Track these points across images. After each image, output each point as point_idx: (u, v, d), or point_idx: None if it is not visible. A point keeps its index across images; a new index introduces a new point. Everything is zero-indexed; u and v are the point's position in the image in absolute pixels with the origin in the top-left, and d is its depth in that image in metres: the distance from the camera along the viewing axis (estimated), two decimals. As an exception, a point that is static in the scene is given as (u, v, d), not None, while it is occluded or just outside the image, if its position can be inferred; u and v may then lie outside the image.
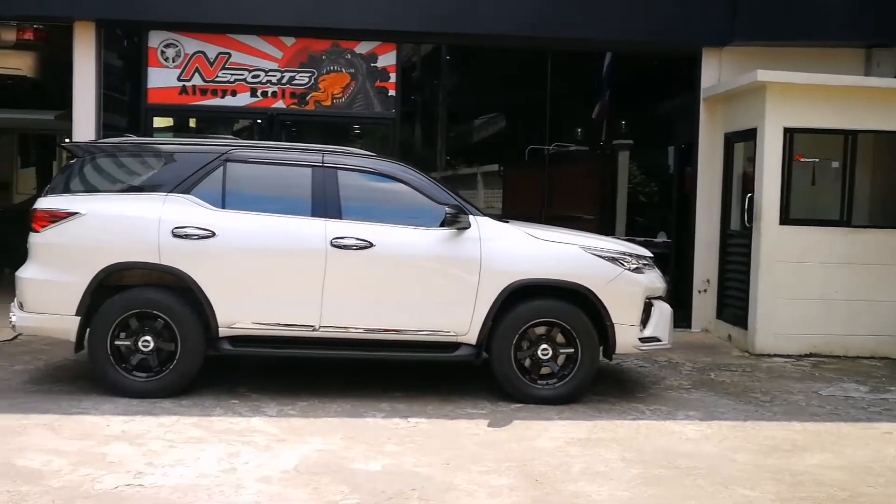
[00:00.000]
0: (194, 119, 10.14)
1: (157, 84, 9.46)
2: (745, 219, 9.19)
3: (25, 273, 6.39)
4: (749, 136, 9.25)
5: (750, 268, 9.06)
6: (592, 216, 14.63)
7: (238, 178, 6.57)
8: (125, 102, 9.65)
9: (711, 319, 10.03)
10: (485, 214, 6.68)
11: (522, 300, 6.55)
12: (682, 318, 10.15)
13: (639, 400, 6.78)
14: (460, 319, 6.46)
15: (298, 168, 6.60)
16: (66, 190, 6.47)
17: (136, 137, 7.29)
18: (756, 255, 8.97)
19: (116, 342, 6.31)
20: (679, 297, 10.48)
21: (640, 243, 13.56)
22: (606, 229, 14.26)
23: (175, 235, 6.29)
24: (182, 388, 6.36)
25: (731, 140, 9.78)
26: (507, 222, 6.94)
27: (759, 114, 8.93)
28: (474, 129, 17.13)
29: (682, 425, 6.08)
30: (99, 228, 6.33)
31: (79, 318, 6.27)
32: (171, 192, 6.43)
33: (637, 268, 6.71)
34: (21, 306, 6.41)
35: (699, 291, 10.15)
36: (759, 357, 8.75)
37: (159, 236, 6.28)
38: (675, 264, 10.83)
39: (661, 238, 11.36)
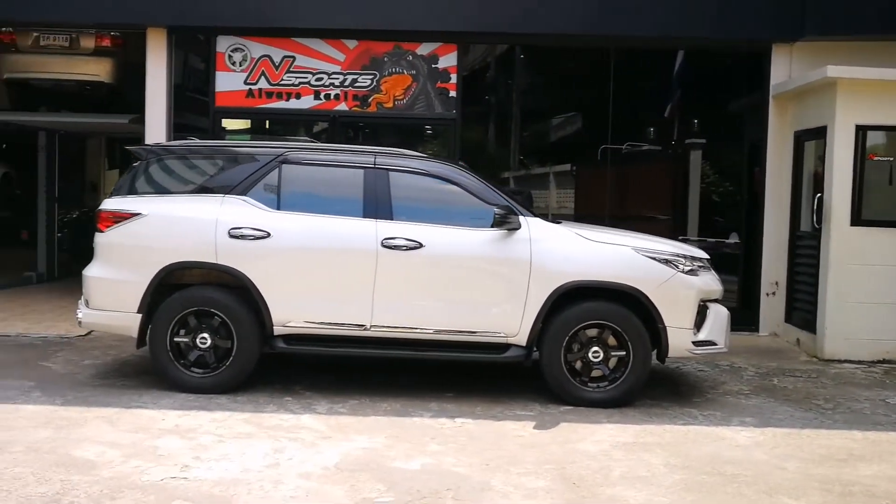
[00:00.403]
0: (260, 121, 10.37)
1: (225, 88, 9.72)
2: (815, 219, 8.91)
3: (91, 271, 6.66)
4: (819, 135, 8.96)
5: (819, 270, 8.78)
6: (665, 216, 14.44)
7: (293, 180, 6.71)
8: (195, 106, 9.94)
9: (780, 323, 9.76)
10: (536, 215, 6.65)
11: (573, 302, 6.51)
12: (749, 321, 9.96)
13: (693, 405, 6.66)
14: (510, 320, 6.45)
15: (351, 169, 6.70)
16: (130, 192, 6.72)
17: (197, 140, 7.51)
18: (825, 257, 8.69)
19: (176, 339, 6.52)
20: (746, 299, 10.27)
21: (711, 244, 13.38)
22: (679, 230, 14.07)
23: (231, 236, 6.46)
24: (238, 384, 6.53)
25: (801, 138, 9.49)
26: (559, 223, 6.91)
27: (830, 111, 8.64)
28: (542, 129, 17.05)
29: (734, 431, 5.95)
30: (160, 229, 6.55)
31: (140, 315, 6.50)
32: (228, 193, 6.61)
33: (691, 270, 6.59)
34: (87, 303, 6.68)
35: (767, 294, 9.89)
36: (827, 363, 8.47)
37: (216, 237, 6.46)
38: (743, 266, 10.60)
39: (734, 239, 11.14)
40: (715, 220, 12.45)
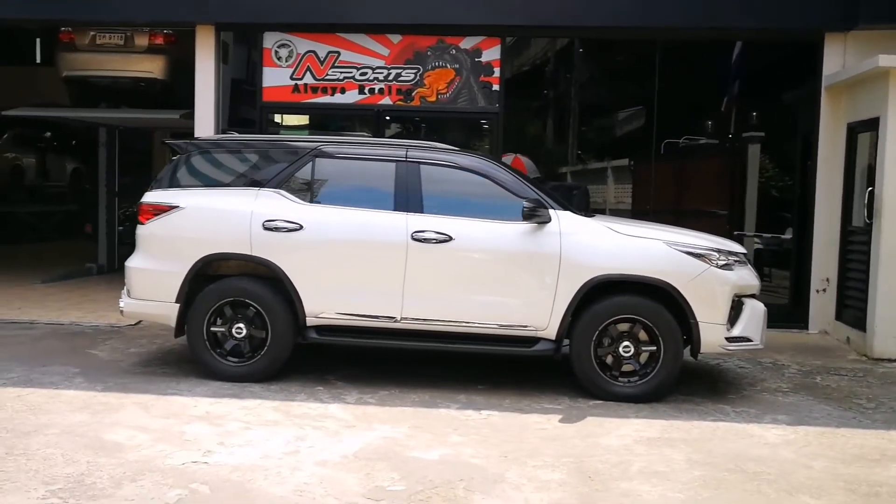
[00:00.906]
0: (306, 116, 10.52)
1: (272, 83, 9.88)
2: (866, 214, 8.65)
3: (132, 262, 6.87)
4: (872, 126, 8.69)
5: (870, 266, 8.53)
6: (721, 211, 14.21)
7: (326, 173, 6.82)
8: (242, 101, 10.13)
9: (830, 321, 9.50)
10: (567, 209, 6.61)
11: (604, 296, 6.46)
12: (798, 318, 9.73)
13: (728, 401, 6.54)
14: (539, 314, 6.44)
15: (383, 163, 6.76)
16: (169, 185, 6.91)
17: (237, 134, 7.67)
18: (876, 253, 8.43)
19: (212, 328, 6.68)
20: (797, 296, 10.04)
21: (767, 240, 13.10)
22: (735, 225, 13.82)
23: (266, 228, 6.59)
24: (271, 373, 6.65)
25: (854, 130, 9.22)
26: (593, 217, 6.85)
27: (882, 102, 8.37)
28: (599, 124, 16.93)
29: (764, 429, 5.83)
30: (197, 221, 6.72)
31: (178, 304, 6.68)
32: (263, 187, 6.74)
33: (726, 264, 6.47)
34: (129, 293, 6.89)
35: (818, 291, 9.63)
36: (876, 362, 8.22)
37: (251, 229, 6.60)
38: (794, 262, 10.37)
39: (790, 234, 10.92)
40: (776, 216, 12.19)
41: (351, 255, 6.57)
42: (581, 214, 6.69)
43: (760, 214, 13.73)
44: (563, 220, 6.48)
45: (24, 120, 16.44)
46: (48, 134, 19.75)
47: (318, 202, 6.71)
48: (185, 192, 6.82)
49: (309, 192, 6.74)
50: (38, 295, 10.63)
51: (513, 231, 6.48)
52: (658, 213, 15.54)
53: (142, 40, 10.79)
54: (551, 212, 6.47)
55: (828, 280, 9.57)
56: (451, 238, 6.47)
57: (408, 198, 6.63)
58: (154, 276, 6.76)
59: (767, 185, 14.27)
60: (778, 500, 4.50)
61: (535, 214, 6.37)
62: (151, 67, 10.82)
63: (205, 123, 9.79)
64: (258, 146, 7.02)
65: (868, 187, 8.69)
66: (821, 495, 4.57)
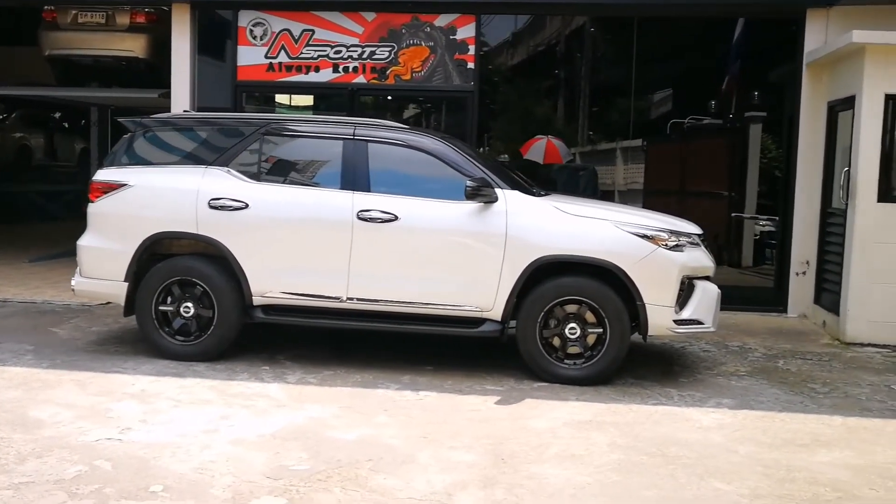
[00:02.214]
0: (281, 95, 10.48)
1: (247, 62, 9.85)
2: (842, 195, 8.45)
3: (82, 241, 6.88)
4: (851, 105, 8.46)
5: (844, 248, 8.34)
6: (722, 192, 14.03)
7: (274, 152, 6.80)
8: (218, 80, 10.10)
9: (810, 304, 9.31)
10: (516, 188, 6.50)
11: (552, 277, 6.37)
12: (778, 301, 9.55)
13: (677, 385, 6.43)
14: (484, 295, 6.36)
15: (330, 141, 6.70)
16: (119, 163, 6.90)
17: (193, 112, 7.64)
18: (850, 235, 8.24)
19: (161, 307, 6.68)
20: (779, 279, 9.86)
21: (766, 222, 12.83)
22: (736, 206, 13.62)
23: (211, 207, 6.57)
24: (219, 353, 6.65)
25: (833, 109, 8.99)
26: (544, 196, 6.74)
27: (858, 79, 8.15)
28: (609, 105, 16.79)
29: (703, 413, 5.72)
30: (145, 199, 6.71)
31: (127, 283, 6.68)
32: (211, 164, 6.71)
33: (676, 245, 6.35)
34: (80, 272, 6.91)
35: (797, 273, 9.44)
36: (847, 346, 8.05)
37: (197, 207, 6.58)
38: (778, 245, 10.19)
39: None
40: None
41: (296, 234, 6.53)
42: (531, 194, 6.59)
43: (764, 196, 13.53)
44: (510, 200, 6.39)
45: (31, 100, 16.59)
46: (58, 114, 19.95)
47: (266, 181, 6.67)
48: (135, 170, 6.82)
49: (256, 170, 6.70)
50: (21, 274, 10.73)
51: (459, 211, 6.40)
52: (663, 195, 15.42)
53: (123, 19, 10.79)
54: (498, 191, 6.38)
55: (808, 263, 9.38)
56: (396, 217, 6.41)
57: (355, 176, 6.57)
58: (103, 255, 6.77)
59: (771, 166, 14.05)
60: (687, 484, 4.41)
61: (478, 194, 6.28)
62: (132, 46, 10.82)
63: (181, 103, 9.78)
64: (208, 124, 6.99)
65: (845, 168, 8.49)
66: (733, 480, 4.47)
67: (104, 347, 7.07)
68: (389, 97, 10.24)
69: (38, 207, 18.67)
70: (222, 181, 6.63)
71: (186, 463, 4.47)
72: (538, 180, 13.89)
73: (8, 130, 18.22)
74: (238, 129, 6.82)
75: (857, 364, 7.36)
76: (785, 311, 9.48)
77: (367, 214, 6.42)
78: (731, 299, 9.60)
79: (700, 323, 6.42)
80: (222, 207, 6.55)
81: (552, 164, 13.90)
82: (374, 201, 6.45)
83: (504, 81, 17.42)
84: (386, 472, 4.44)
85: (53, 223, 17.08)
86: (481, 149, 17.08)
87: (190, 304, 6.66)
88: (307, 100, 11.55)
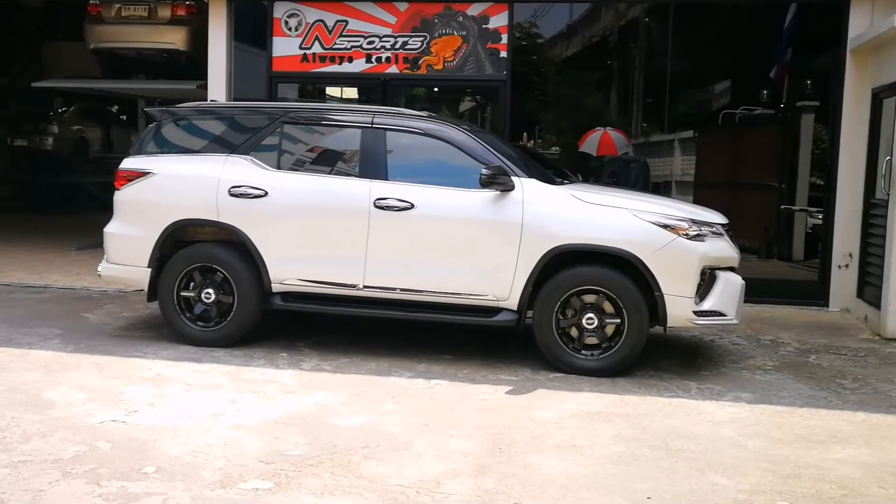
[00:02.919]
0: (314, 86, 10.54)
1: (281, 53, 9.92)
2: (884, 185, 8.14)
3: (109, 227, 7.02)
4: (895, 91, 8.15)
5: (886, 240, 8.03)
6: (772, 184, 13.70)
7: (293, 140, 6.82)
8: (254, 71, 10.20)
9: (852, 298, 9.00)
10: (534, 177, 6.41)
11: (569, 266, 6.27)
12: (819, 295, 9.27)
13: (699, 378, 6.28)
14: (500, 284, 6.30)
15: (349, 129, 6.71)
16: (144, 151, 7.01)
17: (218, 101, 7.71)
18: (891, 226, 7.92)
19: (182, 293, 6.77)
20: (822, 272, 9.56)
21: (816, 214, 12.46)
22: (786, 198, 13.28)
23: (231, 195, 6.63)
24: (238, 339, 6.71)
25: (877, 96, 8.65)
26: (564, 184, 6.64)
27: (901, 65, 7.85)
28: (665, 95, 16.55)
29: (719, 406, 5.57)
30: (168, 187, 6.80)
31: (150, 269, 6.79)
32: (232, 153, 6.77)
33: (697, 235, 6.19)
34: (106, 258, 7.05)
35: (839, 267, 9.14)
36: (887, 342, 7.75)
37: (218, 195, 6.65)
38: (822, 237, 9.87)
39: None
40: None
41: (314, 221, 6.55)
42: (550, 182, 6.49)
43: (816, 188, 13.13)
44: (527, 189, 6.30)
45: (89, 94, 17.03)
46: (114, 108, 20.44)
47: (285, 169, 6.70)
48: (158, 159, 6.92)
49: (276, 158, 6.74)
50: (65, 261, 11.00)
51: (475, 199, 6.34)
52: (713, 187, 15.13)
53: (164, 12, 10.99)
54: (515, 179, 6.30)
55: (850, 256, 9.07)
56: (413, 206, 6.38)
57: (372, 165, 6.56)
58: (128, 242, 6.89)
59: (823, 157, 13.63)
60: (686, 477, 4.29)
61: (493, 182, 6.21)
62: (174, 38, 11.02)
63: (217, 95, 9.89)
64: (230, 113, 7.06)
65: (888, 157, 8.17)
66: (734, 475, 4.33)
67: (130, 333, 7.20)
68: (422, 87, 10.20)
69: (93, 198, 19.17)
70: (243, 169, 6.68)
71: (185, 446, 4.51)
72: (592, 172, 13.81)
73: (67, 123, 18.72)
74: (259, 117, 6.87)
75: (894, 360, 7.09)
76: (826, 305, 9.18)
77: (383, 203, 6.40)
78: (771, 292, 9.43)
79: (722, 314, 6.26)
80: (242, 195, 6.61)
81: (605, 156, 13.77)
82: (391, 189, 6.43)
83: (556, 73, 17.26)
84: (379, 458, 4.42)
85: (107, 213, 17.48)
86: (531, 141, 16.98)
87: (211, 291, 6.74)
88: (352, 92, 11.63)
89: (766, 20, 13.84)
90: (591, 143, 13.75)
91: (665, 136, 16.50)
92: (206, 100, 9.91)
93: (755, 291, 9.55)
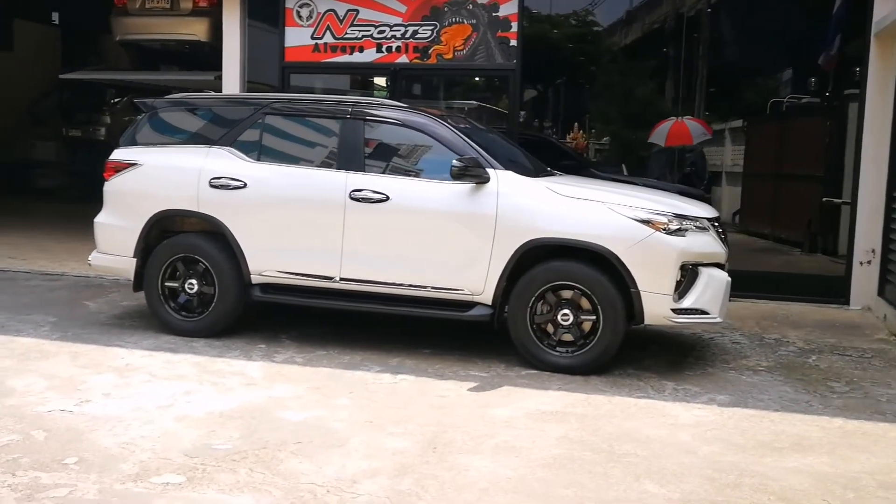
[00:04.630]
0: (326, 76, 10.51)
1: (293, 43, 9.91)
2: (906, 177, 7.72)
3: (98, 218, 7.11)
4: (919, 79, 7.71)
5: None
6: (816, 175, 13.23)
7: (274, 131, 6.78)
8: (266, 61, 10.22)
9: (874, 296, 8.57)
10: (509, 169, 6.26)
11: (545, 261, 6.11)
12: (841, 292, 8.85)
13: (680, 378, 6.05)
14: (474, 278, 6.17)
15: (329, 120, 6.65)
16: (132, 143, 7.08)
17: (213, 93, 7.74)
18: (910, 221, 7.52)
19: (167, 283, 6.83)
20: (847, 268, 9.13)
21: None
22: (831, 190, 12.78)
23: (212, 186, 6.64)
24: (220, 329, 6.73)
25: (903, 83, 8.22)
26: (541, 177, 6.47)
27: (922, 50, 7.41)
28: (717, 84, 16.11)
29: (687, 409, 5.34)
30: (152, 178, 6.86)
31: (136, 259, 6.87)
32: (214, 144, 6.78)
33: (679, 229, 5.95)
34: (96, 247, 7.15)
35: (861, 263, 8.71)
36: (903, 342, 7.37)
37: (199, 186, 6.67)
38: (848, 232, 9.42)
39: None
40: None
41: (291, 213, 6.52)
42: (526, 175, 6.34)
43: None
44: (502, 181, 6.15)
45: (139, 86, 17.41)
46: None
47: (265, 160, 6.68)
48: (145, 150, 6.98)
49: (257, 149, 6.72)
50: (88, 249, 11.06)
51: (450, 191, 6.22)
52: (760, 178, 14.67)
53: (186, 3, 11.09)
54: (490, 171, 6.16)
55: (873, 251, 8.63)
56: (388, 197, 6.30)
57: (350, 156, 6.50)
58: (115, 232, 6.97)
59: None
60: (617, 483, 4.12)
61: (466, 174, 6.08)
62: (195, 30, 11.11)
63: (231, 84, 9.97)
64: (214, 104, 7.07)
65: (911, 147, 7.75)
66: (669, 483, 4.13)
67: (121, 322, 7.29)
68: (428, 77, 10.07)
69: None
70: (224, 160, 6.69)
71: (119, 437, 4.53)
72: (656, 163, 13.54)
73: (119, 114, 19.18)
74: (242, 108, 6.87)
75: (901, 363, 6.72)
76: (846, 302, 8.77)
77: (359, 194, 6.33)
78: (793, 289, 9.08)
79: (704, 313, 6.00)
80: (222, 186, 6.62)
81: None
82: (367, 181, 6.36)
83: (607, 63, 16.96)
84: (306, 455, 4.35)
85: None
86: (581, 131, 16.69)
87: (194, 281, 6.77)
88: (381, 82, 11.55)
89: (818, 6, 13.32)
90: (660, 133, 13.41)
91: (716, 126, 16.07)
92: (220, 90, 10.02)
93: (776, 287, 9.26)
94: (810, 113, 14.13)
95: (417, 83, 10.02)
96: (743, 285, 8.83)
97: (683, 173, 14.72)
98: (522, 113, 15.40)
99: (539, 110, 17.68)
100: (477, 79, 14.02)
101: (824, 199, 12.69)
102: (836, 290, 9.01)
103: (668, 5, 16.48)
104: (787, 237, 13.16)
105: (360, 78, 11.33)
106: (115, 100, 19.20)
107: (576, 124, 16.17)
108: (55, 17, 19.44)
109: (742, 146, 15.71)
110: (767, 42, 15.31)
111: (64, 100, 18.60)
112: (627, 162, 14.75)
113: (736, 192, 15.24)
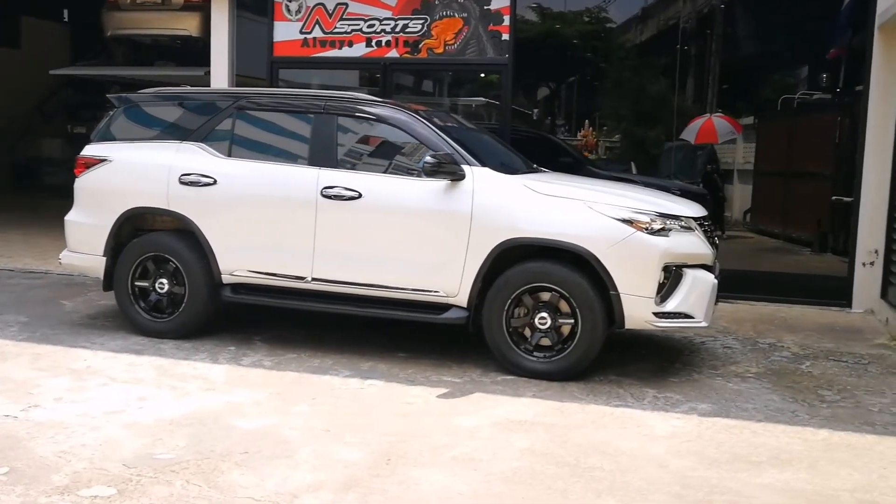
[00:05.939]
0: (314, 70, 10.29)
1: (282, 38, 9.70)
2: (909, 176, 7.40)
3: (68, 216, 6.92)
4: (923, 73, 7.39)
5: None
6: (825, 172, 12.92)
7: (245, 126, 6.57)
8: (255, 57, 10.02)
9: (876, 299, 8.25)
10: (487, 165, 6.01)
11: (523, 261, 5.85)
12: (842, 294, 8.54)
13: (663, 385, 5.77)
14: (449, 279, 5.92)
15: (301, 115, 6.43)
16: (103, 139, 6.89)
17: (186, 88, 7.53)
18: (912, 222, 7.20)
19: (137, 283, 6.63)
20: (850, 269, 8.81)
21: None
22: (840, 189, 12.45)
23: (181, 182, 6.44)
24: (190, 330, 6.53)
25: (907, 78, 7.89)
26: (522, 175, 6.21)
27: (925, 43, 7.09)
28: (728, 80, 15.78)
29: (664, 419, 5.07)
30: (122, 174, 6.67)
31: (105, 258, 6.67)
32: (185, 140, 6.58)
33: (661, 229, 5.67)
34: (67, 245, 6.97)
35: (864, 264, 8.39)
36: (902, 348, 7.05)
37: (168, 183, 6.47)
38: (853, 231, 9.09)
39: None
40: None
41: (262, 211, 6.30)
42: (505, 172, 6.08)
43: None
44: (477, 178, 5.91)
45: (135, 82, 17.28)
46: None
47: (236, 156, 6.47)
48: (115, 146, 6.79)
49: (227, 145, 6.51)
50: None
51: (425, 189, 5.98)
52: (770, 176, 14.34)
53: (178, -2, 10.91)
54: (466, 168, 5.91)
55: (876, 252, 8.31)
56: (360, 195, 6.07)
57: (322, 152, 6.27)
58: (85, 230, 6.79)
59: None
60: (577, 500, 3.86)
61: (439, 171, 5.83)
62: (186, 25, 10.94)
63: (220, 80, 9.78)
64: (186, 99, 6.86)
65: (914, 144, 7.43)
66: (632, 500, 3.87)
67: (94, 322, 7.10)
68: (419, 72, 9.82)
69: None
70: (194, 157, 6.49)
71: (59, 445, 4.32)
72: (666, 161, 13.26)
73: (123, 111, 19.09)
74: (213, 103, 6.66)
75: (898, 370, 6.42)
76: (849, 305, 8.46)
77: (330, 192, 6.10)
78: (794, 290, 8.76)
79: (688, 316, 5.72)
80: (192, 183, 6.41)
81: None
82: (339, 178, 6.13)
83: (620, 59, 16.67)
84: (250, 466, 4.13)
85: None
86: (591, 128, 16.40)
87: (164, 281, 6.58)
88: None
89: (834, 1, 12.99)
90: (691, 131, 13.13)
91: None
92: (209, 86, 9.82)
93: (776, 289, 8.93)
94: (821, 110, 13.81)
95: (420, 79, 9.75)
96: (743, 286, 8.58)
97: (705, 172, 14.42)
98: (535, 110, 15.12)
99: (550, 108, 17.37)
100: (483, 75, 13.85)
101: (833, 197, 12.35)
102: (838, 291, 8.70)
103: (681, 1, 16.16)
104: (798, 236, 12.84)
105: (368, 75, 11.09)
106: (120, 97, 19.11)
107: (586, 122, 15.89)
108: (66, 14, 19.36)
109: (753, 144, 15.38)
110: (782, 38, 14.96)
111: (70, 97, 18.52)
112: (638, 160, 14.46)
113: (747, 191, 14.92)
